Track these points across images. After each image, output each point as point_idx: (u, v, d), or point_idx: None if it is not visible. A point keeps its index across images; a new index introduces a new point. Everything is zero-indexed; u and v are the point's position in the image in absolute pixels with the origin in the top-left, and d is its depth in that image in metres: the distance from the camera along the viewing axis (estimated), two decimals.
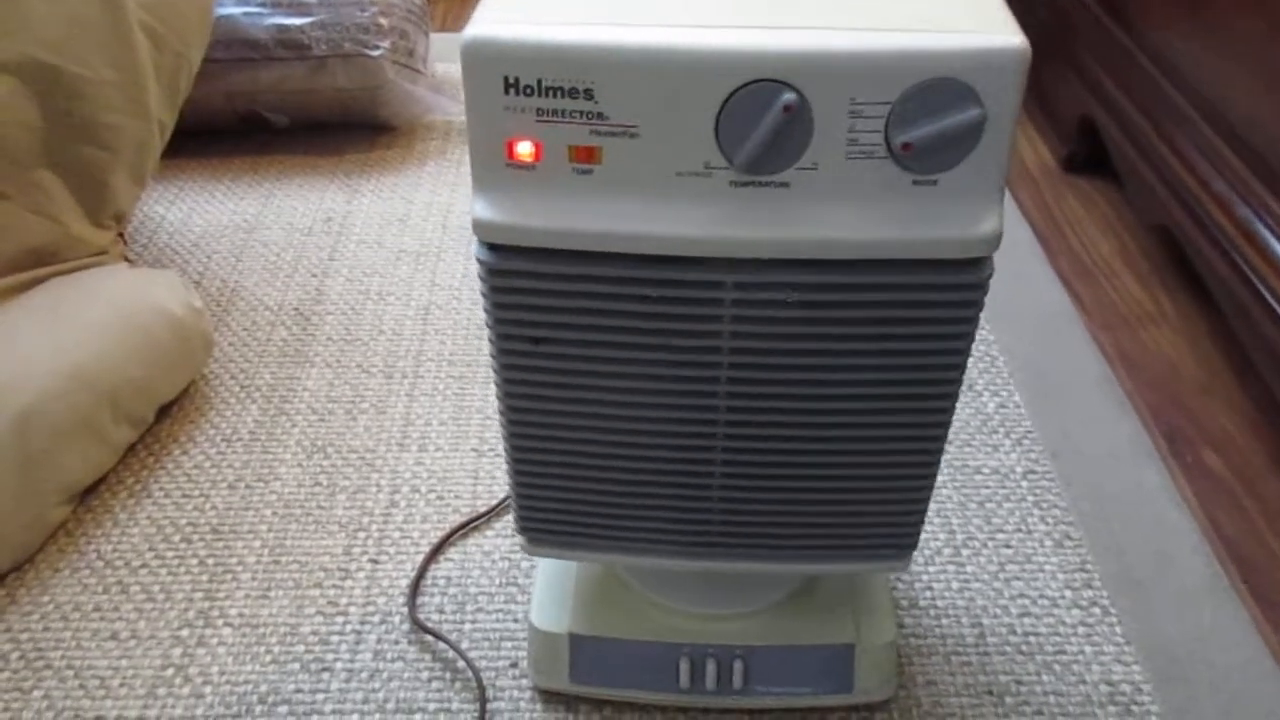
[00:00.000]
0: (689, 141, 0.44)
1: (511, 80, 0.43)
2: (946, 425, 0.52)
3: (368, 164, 1.25)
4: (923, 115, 0.42)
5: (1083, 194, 1.22)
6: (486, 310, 0.49)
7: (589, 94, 0.43)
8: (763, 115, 0.42)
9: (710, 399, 0.51)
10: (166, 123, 0.98)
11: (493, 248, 0.47)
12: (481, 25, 0.43)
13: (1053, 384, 0.94)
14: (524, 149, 0.44)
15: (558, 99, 0.43)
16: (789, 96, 0.42)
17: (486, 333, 0.51)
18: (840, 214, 0.45)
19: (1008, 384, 0.93)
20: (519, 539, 0.61)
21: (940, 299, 0.47)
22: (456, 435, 0.88)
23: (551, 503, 0.57)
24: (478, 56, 0.43)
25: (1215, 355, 0.98)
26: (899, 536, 0.58)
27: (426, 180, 1.22)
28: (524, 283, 0.48)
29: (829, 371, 0.50)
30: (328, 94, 1.22)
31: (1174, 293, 1.06)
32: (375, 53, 1.20)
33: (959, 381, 0.50)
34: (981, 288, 0.47)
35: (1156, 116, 1.05)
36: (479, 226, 0.47)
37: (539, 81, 0.43)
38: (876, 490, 0.55)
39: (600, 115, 0.43)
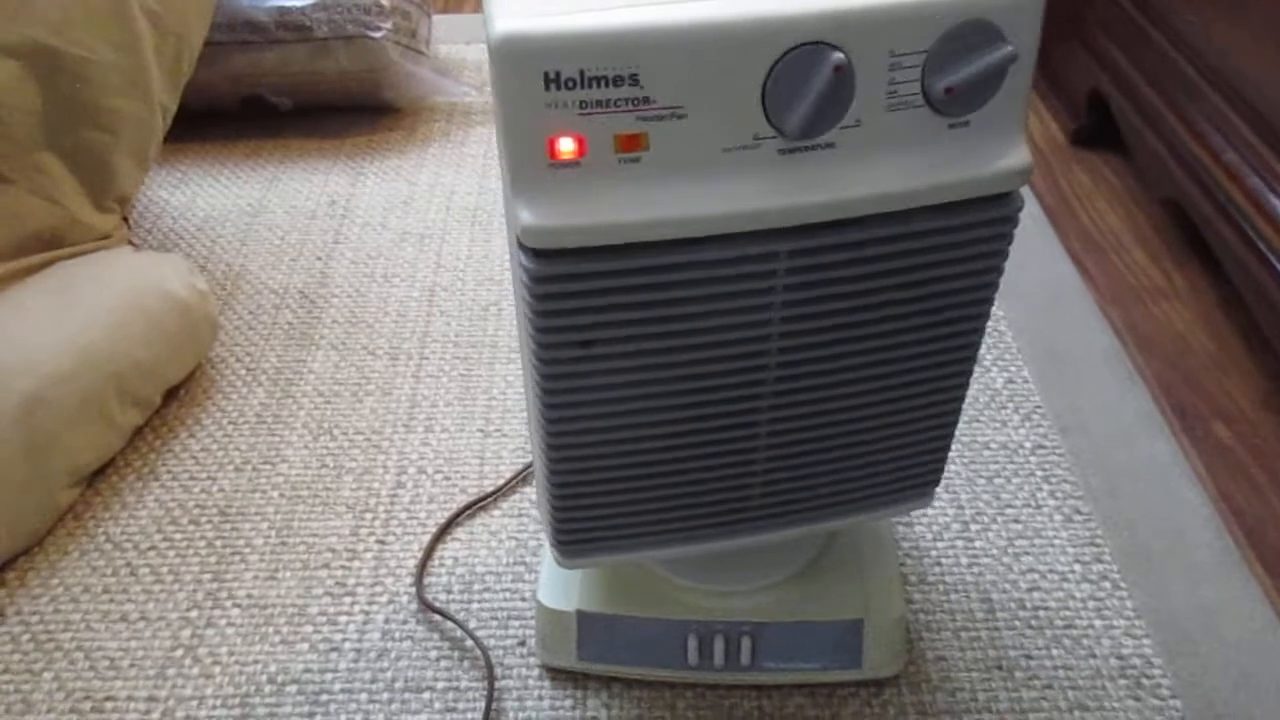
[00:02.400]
0: (736, 115, 0.43)
1: (552, 75, 0.40)
2: (976, 354, 0.54)
3: (371, 146, 1.24)
4: (956, 59, 0.43)
5: (1092, 168, 1.21)
6: (530, 320, 0.46)
7: (634, 79, 0.41)
8: (810, 79, 0.42)
9: (759, 371, 0.50)
10: (169, 106, 0.97)
11: (538, 254, 0.44)
12: (511, 19, 0.40)
13: (1062, 359, 0.93)
14: (567, 146, 0.42)
15: (602, 89, 0.41)
16: (837, 56, 0.41)
17: (527, 343, 0.48)
18: (885, 167, 0.45)
19: (1016, 359, 0.93)
20: (553, 554, 0.59)
21: (978, 235, 0.48)
22: (462, 416, 0.88)
23: (592, 510, 0.55)
24: (515, 54, 0.40)
25: (1225, 328, 0.97)
26: (928, 472, 0.59)
27: (430, 162, 1.21)
28: (575, 286, 0.45)
29: (874, 323, 0.50)
30: (330, 76, 1.22)
31: (1184, 266, 1.05)
32: (377, 34, 1.19)
33: (989, 312, 0.52)
34: (1014, 219, 0.48)
35: (1166, 88, 1.04)
36: (528, 234, 0.44)
37: (581, 73, 0.40)
38: (912, 427, 0.56)
39: (646, 100, 0.41)
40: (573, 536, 0.57)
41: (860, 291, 0.48)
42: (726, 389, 0.51)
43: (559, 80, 0.41)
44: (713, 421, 0.52)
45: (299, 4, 1.19)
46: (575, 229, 0.44)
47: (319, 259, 1.06)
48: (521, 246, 0.45)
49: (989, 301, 0.51)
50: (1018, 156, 0.46)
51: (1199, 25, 1.00)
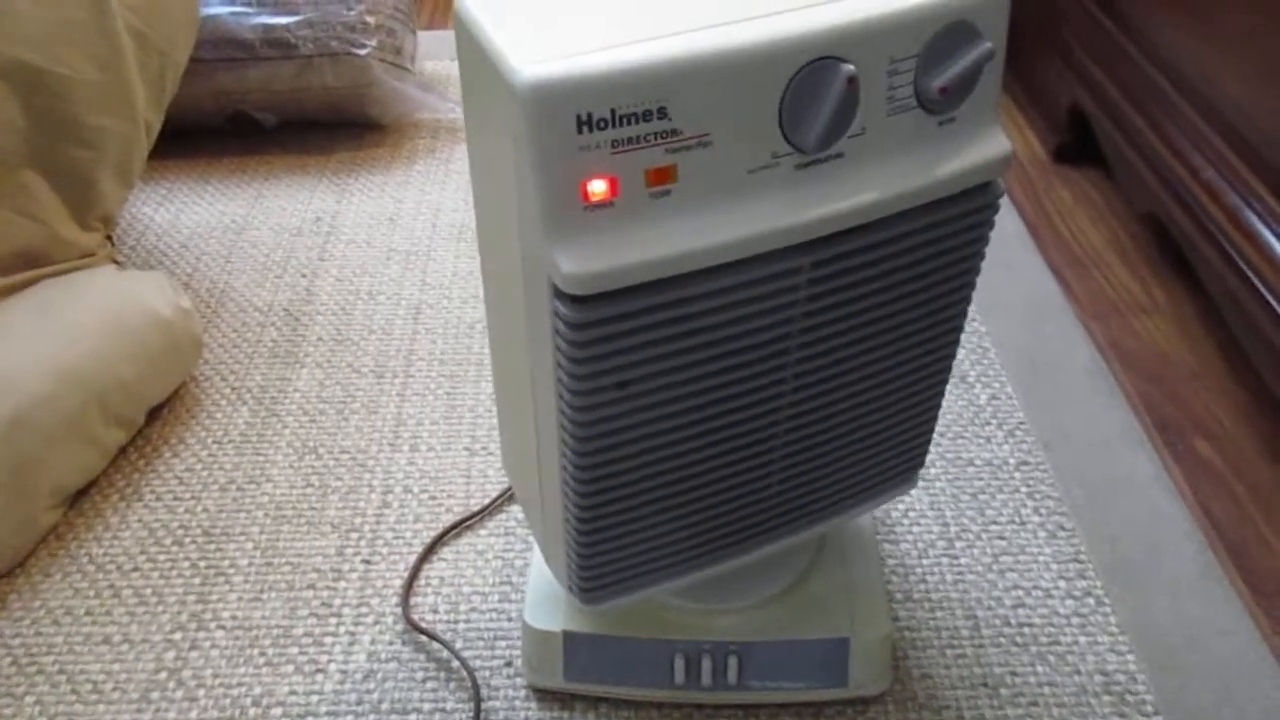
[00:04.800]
0: (757, 136, 0.43)
1: (585, 117, 0.40)
2: (958, 340, 0.57)
3: (357, 163, 1.24)
4: (943, 59, 0.45)
5: (1073, 183, 1.22)
6: (566, 368, 0.45)
7: (663, 112, 0.41)
8: (824, 93, 0.43)
9: (779, 384, 0.51)
10: (153, 123, 0.97)
11: (576, 299, 0.43)
12: (535, 64, 0.40)
13: (1044, 374, 0.94)
14: (598, 187, 0.41)
15: (632, 125, 0.41)
16: (848, 69, 0.42)
17: (555, 388, 0.47)
18: (890, 169, 0.47)
19: (999, 375, 0.93)
20: (577, 600, 0.58)
21: (968, 223, 0.50)
22: (449, 435, 0.88)
23: (619, 550, 0.55)
24: (548, 99, 0.39)
25: (1206, 343, 0.98)
26: (915, 456, 0.62)
27: (416, 179, 1.21)
28: (614, 328, 0.45)
29: (880, 320, 0.52)
30: (316, 93, 1.22)
31: (1165, 281, 1.06)
32: (362, 51, 1.19)
33: (971, 295, 0.55)
34: (997, 205, 0.51)
35: (1146, 105, 1.05)
36: (569, 281, 0.42)
37: (613, 112, 0.40)
38: (905, 415, 0.58)
39: (674, 131, 0.41)
40: (599, 581, 0.57)
41: (871, 293, 0.50)
42: (748, 406, 0.52)
43: (591, 122, 0.40)
44: (735, 441, 0.53)
45: (284, 21, 1.19)
46: (614, 271, 0.43)
47: (304, 276, 1.06)
48: (558, 294, 0.44)
49: (973, 284, 0.54)
50: (999, 144, 0.49)
51: (1176, 42, 1.01)
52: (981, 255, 0.53)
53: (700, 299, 0.46)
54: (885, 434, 0.59)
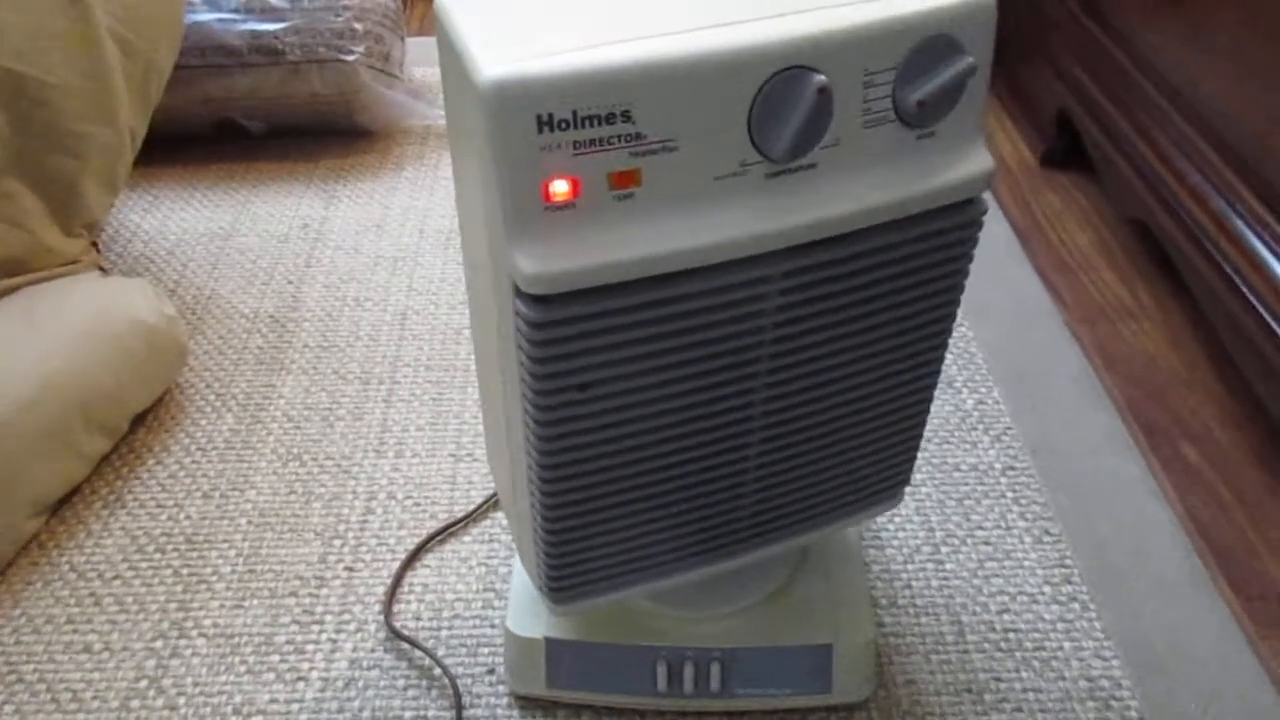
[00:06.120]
0: (725, 143, 0.43)
1: (545, 118, 0.40)
2: (945, 352, 0.56)
3: (345, 169, 1.24)
4: (923, 73, 0.44)
5: (1060, 189, 1.22)
6: (527, 368, 0.46)
7: (626, 116, 0.41)
8: (794, 102, 0.42)
9: (751, 394, 0.51)
10: (138, 130, 0.97)
11: (537, 299, 0.44)
12: (498, 63, 0.40)
13: (1032, 379, 0.94)
14: (560, 188, 0.41)
15: (595, 128, 0.41)
16: (819, 79, 0.42)
17: (519, 387, 0.47)
18: (865, 182, 0.46)
19: (986, 380, 0.93)
20: (546, 601, 0.58)
21: (950, 240, 0.50)
22: (434, 441, 0.87)
23: (588, 552, 0.55)
24: (508, 98, 0.39)
25: (1193, 348, 0.98)
26: (899, 472, 0.61)
27: (404, 185, 1.21)
28: (575, 329, 0.45)
29: (857, 334, 0.51)
30: (303, 100, 1.22)
31: (1152, 286, 1.06)
32: (350, 58, 1.19)
33: (957, 311, 0.54)
34: (980, 222, 0.50)
35: (1132, 111, 1.05)
36: (529, 282, 0.43)
37: (574, 113, 0.40)
38: (889, 429, 0.57)
39: (639, 135, 0.41)
40: (568, 582, 0.57)
41: (845, 305, 0.50)
42: (720, 414, 0.51)
43: (553, 122, 0.40)
44: (707, 448, 0.53)
45: (272, 28, 1.19)
46: (575, 272, 0.43)
47: (290, 283, 1.05)
48: (519, 294, 0.44)
49: (958, 301, 0.53)
50: (981, 161, 0.48)
51: (1162, 47, 1.01)
52: (964, 273, 0.52)
53: (664, 304, 0.45)
54: (865, 451, 0.58)
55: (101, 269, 0.98)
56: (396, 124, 1.30)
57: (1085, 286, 1.07)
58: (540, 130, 0.40)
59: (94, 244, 0.99)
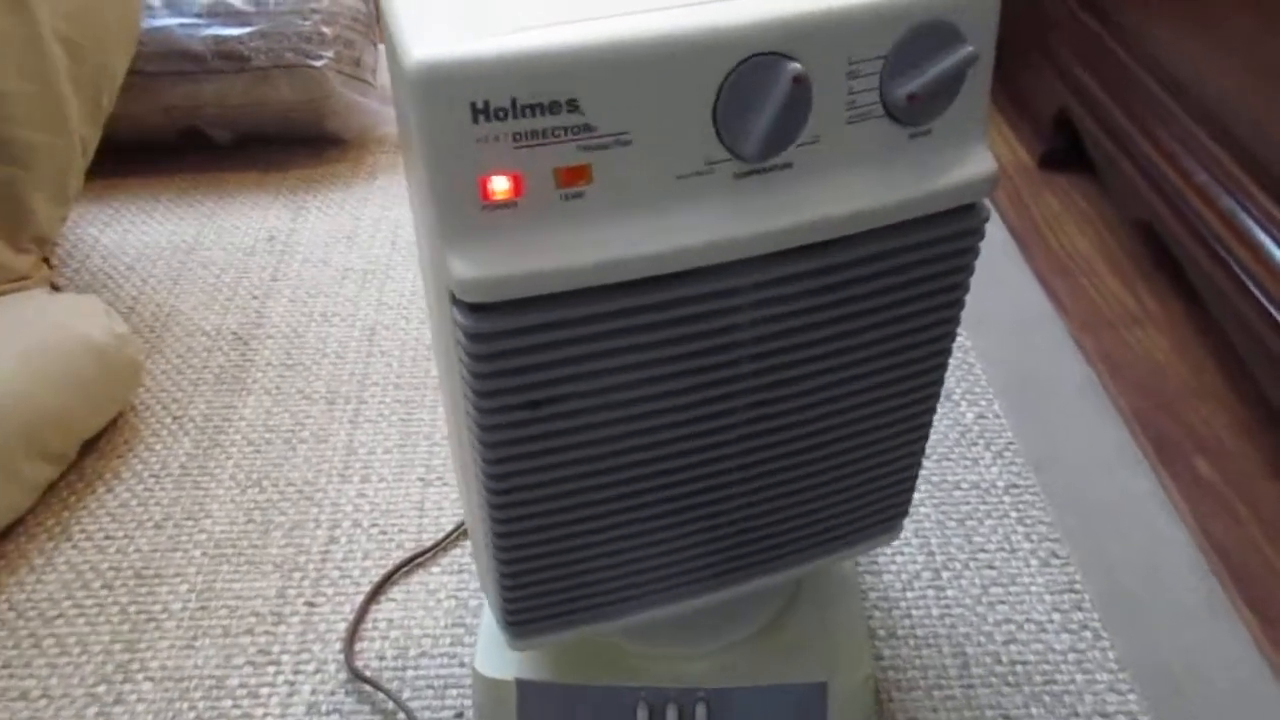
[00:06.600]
0: (686, 138, 0.38)
1: (481, 105, 0.35)
2: (944, 374, 0.51)
3: (315, 180, 1.19)
4: (915, 64, 0.40)
5: (1060, 191, 1.18)
6: (469, 383, 0.41)
7: (573, 105, 0.36)
8: (766, 94, 0.38)
9: (728, 416, 0.46)
10: (89, 138, 0.92)
11: (476, 308, 0.39)
12: (428, 45, 0.35)
13: (1034, 391, 0.89)
14: (501, 185, 0.37)
15: (537, 118, 0.36)
16: (794, 67, 0.37)
17: (463, 407, 0.43)
18: (848, 184, 0.41)
19: (986, 392, 0.89)
20: (505, 636, 0.53)
21: (947, 250, 0.45)
22: (402, 464, 0.82)
23: (548, 584, 0.50)
24: (437, 83, 0.35)
25: (1202, 355, 0.93)
26: (897, 504, 0.56)
27: (376, 195, 1.17)
28: (520, 341, 0.40)
29: (845, 352, 0.46)
30: (271, 107, 1.17)
31: (1157, 291, 1.02)
32: (319, 63, 1.15)
33: (956, 330, 0.49)
34: (980, 231, 0.45)
35: (1135, 108, 1.01)
36: (463, 288, 0.38)
37: (514, 101, 0.36)
38: (883, 457, 0.52)
39: (587, 127, 0.37)
40: (526, 615, 0.52)
41: (830, 320, 0.45)
42: (693, 438, 0.46)
43: (489, 111, 0.35)
44: (679, 474, 0.48)
45: (236, 32, 1.14)
46: (517, 278, 0.39)
47: (255, 298, 1.01)
48: (456, 302, 0.40)
49: (956, 319, 0.48)
50: (983, 164, 0.43)
51: (1166, 42, 0.97)
52: (964, 287, 0.47)
53: (621, 317, 0.41)
54: (857, 481, 0.53)
55: (54, 286, 0.93)
56: (369, 132, 1.26)
57: (1087, 292, 1.02)
58: (476, 120, 0.36)
59: (46, 260, 0.94)
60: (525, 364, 0.41)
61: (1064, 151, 1.19)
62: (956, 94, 0.41)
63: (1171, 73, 0.96)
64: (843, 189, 0.41)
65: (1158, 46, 0.98)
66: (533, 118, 0.36)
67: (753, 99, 0.38)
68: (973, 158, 0.43)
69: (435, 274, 0.42)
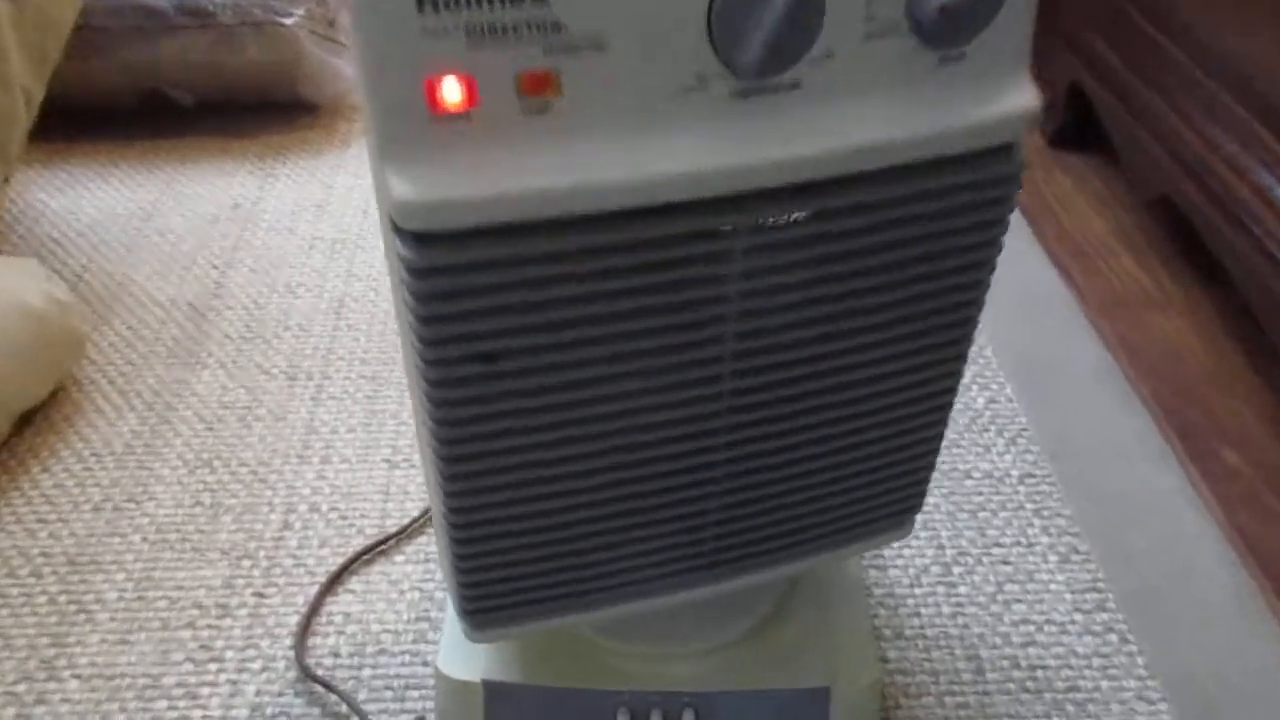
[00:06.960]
0: (675, 46, 0.33)
1: None
2: (968, 350, 0.45)
3: (285, 146, 1.13)
4: None
5: (1072, 170, 1.12)
6: (414, 329, 0.36)
7: None
8: None
9: (713, 383, 0.40)
10: (34, 92, 0.86)
11: (421, 238, 0.34)
12: None
13: (1048, 376, 0.84)
14: (453, 91, 0.32)
15: (494, 8, 0.31)
16: None
17: (411, 358, 0.37)
18: (864, 112, 0.36)
19: (998, 377, 0.83)
20: (462, 625, 0.48)
21: (977, 199, 0.39)
22: (366, 444, 0.76)
23: (509, 569, 0.45)
24: None
25: (1226, 339, 0.88)
26: (907, 498, 0.50)
27: (350, 162, 1.10)
28: (472, 280, 0.35)
29: (852, 315, 0.40)
30: (239, 68, 1.10)
31: (1176, 271, 0.96)
32: (289, 20, 1.08)
33: (985, 298, 0.43)
34: (1017, 179, 0.39)
35: (1154, 75, 0.95)
36: (404, 212, 0.33)
37: None
38: (893, 442, 0.47)
39: (556, 25, 0.31)
40: (484, 604, 0.46)
41: (834, 275, 0.39)
42: (671, 408, 0.40)
43: None
44: (655, 450, 0.42)
45: None
46: (468, 203, 0.33)
47: (215, 268, 0.94)
48: (397, 230, 0.34)
49: (986, 283, 0.42)
50: (1023, 96, 0.37)
51: (1190, 3, 0.91)
52: (997, 245, 0.41)
53: (590, 255, 0.35)
54: (863, 470, 0.47)
55: None
56: (343, 98, 1.20)
57: (1103, 273, 0.96)
58: (422, 7, 0.30)
59: None
60: (477, 307, 0.35)
61: (1077, 128, 1.14)
62: (996, 11, 0.35)
63: (1192, 32, 0.90)
64: (857, 118, 0.36)
65: (1178, 5, 0.93)
66: (489, 9, 0.30)
67: (754, 2, 0.32)
68: (1012, 89, 0.38)
69: (380, 203, 0.36)
